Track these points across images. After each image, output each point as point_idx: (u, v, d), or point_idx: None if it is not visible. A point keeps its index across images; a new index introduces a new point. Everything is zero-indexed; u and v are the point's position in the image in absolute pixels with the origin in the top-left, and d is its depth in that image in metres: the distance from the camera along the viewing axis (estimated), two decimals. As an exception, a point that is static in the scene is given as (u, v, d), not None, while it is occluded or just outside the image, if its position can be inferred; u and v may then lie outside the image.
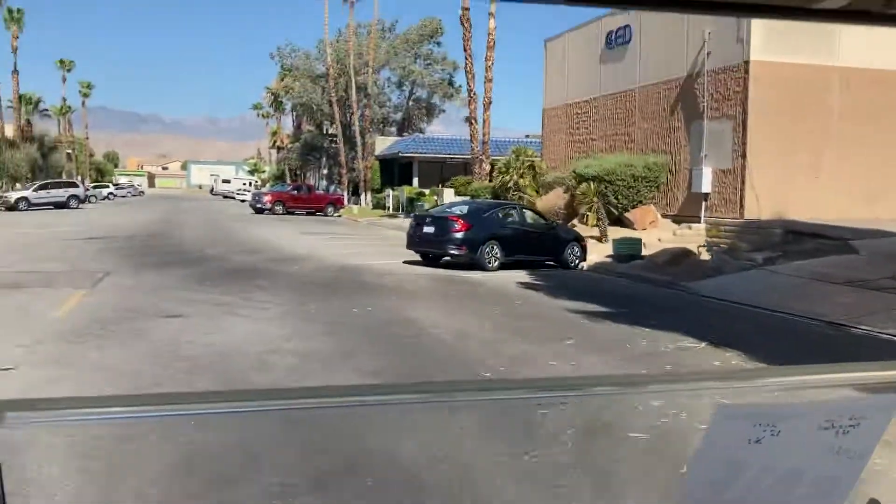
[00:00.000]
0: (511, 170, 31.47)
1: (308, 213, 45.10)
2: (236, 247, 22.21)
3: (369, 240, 28.33)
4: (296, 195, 45.10)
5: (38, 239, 23.00)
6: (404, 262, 19.17)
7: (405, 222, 25.93)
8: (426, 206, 35.39)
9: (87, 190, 57.14)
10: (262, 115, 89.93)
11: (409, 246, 19.38)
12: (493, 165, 36.84)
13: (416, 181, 51.24)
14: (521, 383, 0.92)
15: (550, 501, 4.08)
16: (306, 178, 71.27)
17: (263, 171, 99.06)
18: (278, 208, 44.23)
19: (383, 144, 56.58)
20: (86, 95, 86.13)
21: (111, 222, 32.99)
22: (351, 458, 4.36)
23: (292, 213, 44.44)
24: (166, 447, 4.31)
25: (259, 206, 44.55)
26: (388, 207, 46.37)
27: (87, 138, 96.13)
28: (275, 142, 77.18)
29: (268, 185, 66.03)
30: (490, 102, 40.50)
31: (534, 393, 0.83)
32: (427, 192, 45.08)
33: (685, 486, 0.73)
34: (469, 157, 42.45)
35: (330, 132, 59.90)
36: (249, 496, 3.98)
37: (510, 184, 30.78)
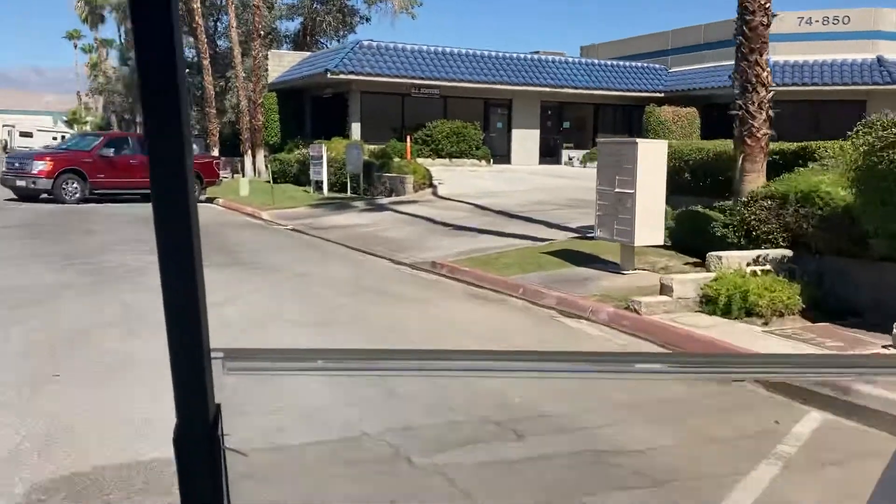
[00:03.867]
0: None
1: (142, 198, 20.72)
2: None
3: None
4: (111, 158, 20.09)
5: None
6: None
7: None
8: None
9: None
10: (84, 49, 61.09)
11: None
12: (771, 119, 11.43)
13: (355, 129, 27.29)
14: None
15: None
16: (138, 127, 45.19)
17: (85, 123, 70.30)
18: (71, 187, 19.44)
19: (280, 66, 32.05)
20: None
21: None
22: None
23: (107, 198, 19.93)
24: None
25: (24, 183, 19.36)
26: (319, 183, 22.51)
27: None
28: (95, 76, 49.48)
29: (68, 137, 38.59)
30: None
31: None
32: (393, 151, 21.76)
33: (885, 481, 0.72)
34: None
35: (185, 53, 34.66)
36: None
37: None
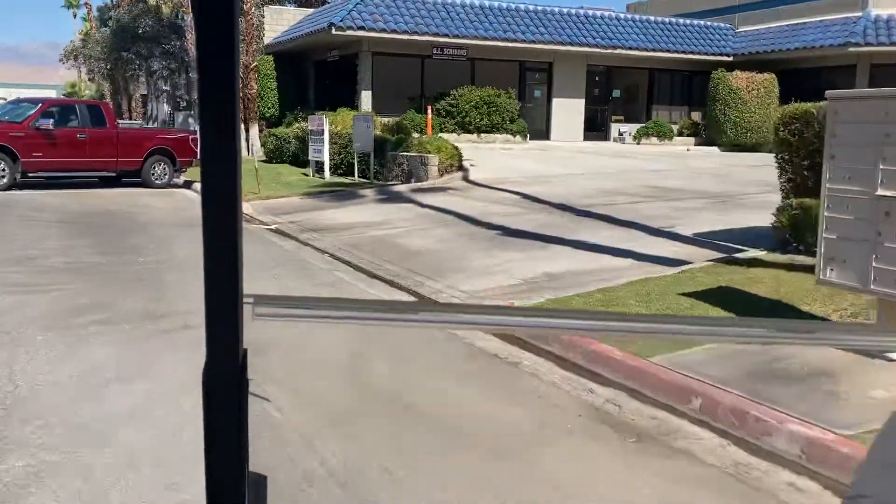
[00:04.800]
0: None
1: (96, 182, 16.36)
2: None
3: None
4: (51, 132, 15.44)
5: None
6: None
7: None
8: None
9: None
10: (84, 19, 55.81)
11: None
12: None
13: (365, 98, 22.63)
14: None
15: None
16: (135, 100, 40.49)
17: (84, 95, 65.74)
18: None
19: (278, 25, 27.34)
20: None
21: None
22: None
23: (46, 184, 15.49)
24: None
25: None
26: (320, 165, 17.96)
27: None
28: (84, 40, 44.39)
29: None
30: None
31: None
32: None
33: (881, 438, 0.67)
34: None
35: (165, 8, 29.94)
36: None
37: None
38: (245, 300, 0.73)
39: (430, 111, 21.08)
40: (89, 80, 39.96)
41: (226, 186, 0.74)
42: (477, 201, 13.26)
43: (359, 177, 16.98)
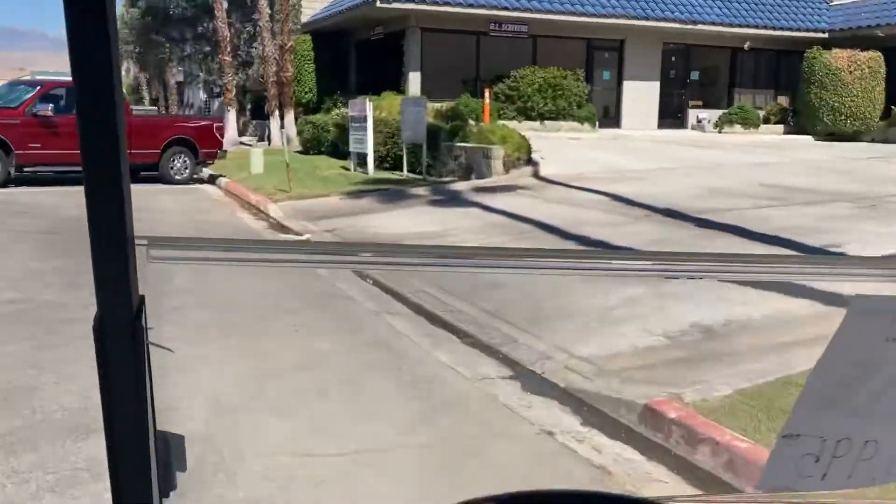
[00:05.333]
0: None
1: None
2: None
3: None
4: (49, 119, 13.19)
5: None
6: None
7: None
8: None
9: None
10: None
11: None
12: None
13: (414, 80, 20.11)
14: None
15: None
16: (170, 88, 38.50)
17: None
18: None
19: (316, 2, 24.86)
20: None
21: None
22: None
23: (44, 180, 13.34)
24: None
25: None
26: (363, 157, 15.46)
27: None
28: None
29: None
30: None
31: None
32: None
33: (813, 383, 0.67)
34: None
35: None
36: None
37: None
38: (137, 242, 0.68)
39: (488, 95, 18.44)
40: (133, 62, 37.92)
41: (104, 108, 0.66)
42: (558, 205, 10.65)
43: (408, 171, 14.47)
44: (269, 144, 23.39)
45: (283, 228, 10.18)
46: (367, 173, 14.89)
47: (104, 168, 0.67)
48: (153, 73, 38.48)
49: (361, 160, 15.46)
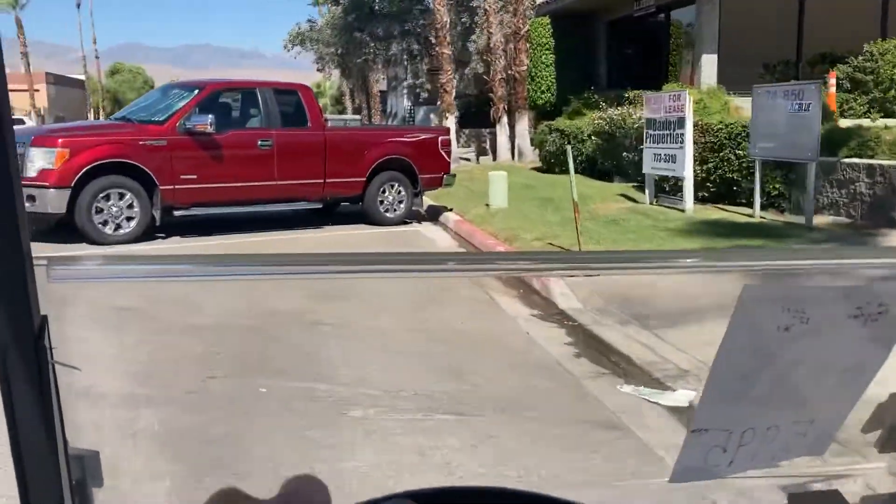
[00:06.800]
0: None
1: (294, 218, 9.69)
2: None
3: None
4: (211, 139, 8.85)
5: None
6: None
7: None
8: None
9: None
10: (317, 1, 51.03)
11: None
12: None
13: (708, 66, 14.09)
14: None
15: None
16: (373, 96, 34.89)
17: (328, 94, 63.15)
18: (114, 209, 8.53)
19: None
20: None
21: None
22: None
23: (205, 227, 9.03)
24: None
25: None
26: (661, 183, 9.70)
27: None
28: (311, 22, 37.86)
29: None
30: None
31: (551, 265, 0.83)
32: None
33: (714, 377, 0.67)
34: None
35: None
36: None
37: None
38: (37, 262, 0.67)
39: (832, 81, 12.16)
40: (317, 69, 34.71)
41: None
42: None
43: (759, 209, 8.67)
44: (493, 159, 18.43)
45: (628, 369, 4.80)
46: (681, 209, 9.26)
47: None
48: (356, 81, 35.06)
49: (665, 187, 9.87)
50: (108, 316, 5.24)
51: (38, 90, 55.24)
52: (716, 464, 0.70)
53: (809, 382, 0.71)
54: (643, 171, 10.21)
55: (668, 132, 9.45)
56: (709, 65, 13.99)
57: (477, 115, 22.29)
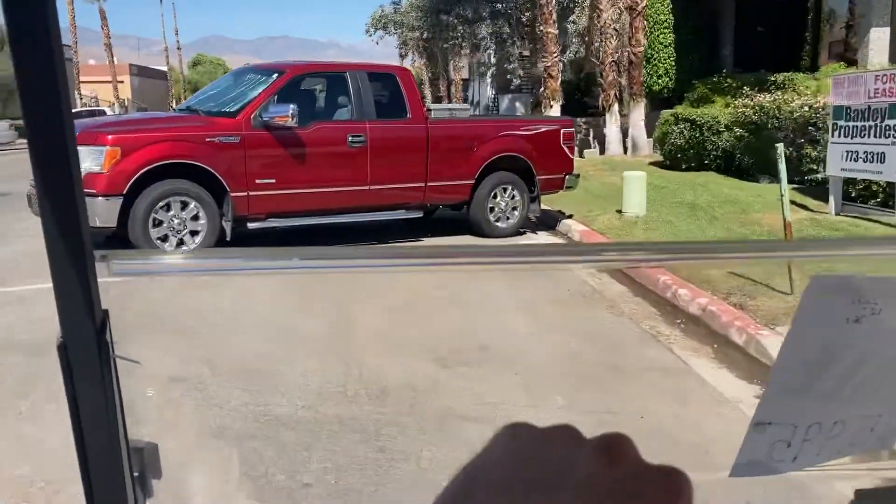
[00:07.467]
0: None
1: (390, 226, 7.98)
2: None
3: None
4: (293, 134, 7.25)
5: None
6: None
7: None
8: None
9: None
10: None
11: None
12: None
13: (877, 42, 11.69)
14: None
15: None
16: (455, 84, 33.05)
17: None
18: (176, 220, 7.01)
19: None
20: None
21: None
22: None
23: (288, 236, 7.44)
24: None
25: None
26: (880, 192, 7.45)
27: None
28: (396, 4, 35.92)
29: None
30: None
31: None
32: None
33: (779, 370, 0.64)
34: None
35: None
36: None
37: None
38: (98, 257, 0.67)
39: None
40: (400, 55, 32.95)
41: (51, 109, 0.60)
42: None
43: None
44: (600, 153, 16.41)
45: None
46: (892, 224, 7.12)
47: (56, 180, 0.62)
48: (439, 67, 33.26)
49: (852, 194, 7.73)
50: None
51: (122, 81, 55.62)
52: (780, 459, 0.68)
53: (879, 375, 0.67)
54: (828, 173, 8.06)
55: (872, 123, 7.30)
56: (878, 41, 11.62)
57: (576, 104, 20.22)
